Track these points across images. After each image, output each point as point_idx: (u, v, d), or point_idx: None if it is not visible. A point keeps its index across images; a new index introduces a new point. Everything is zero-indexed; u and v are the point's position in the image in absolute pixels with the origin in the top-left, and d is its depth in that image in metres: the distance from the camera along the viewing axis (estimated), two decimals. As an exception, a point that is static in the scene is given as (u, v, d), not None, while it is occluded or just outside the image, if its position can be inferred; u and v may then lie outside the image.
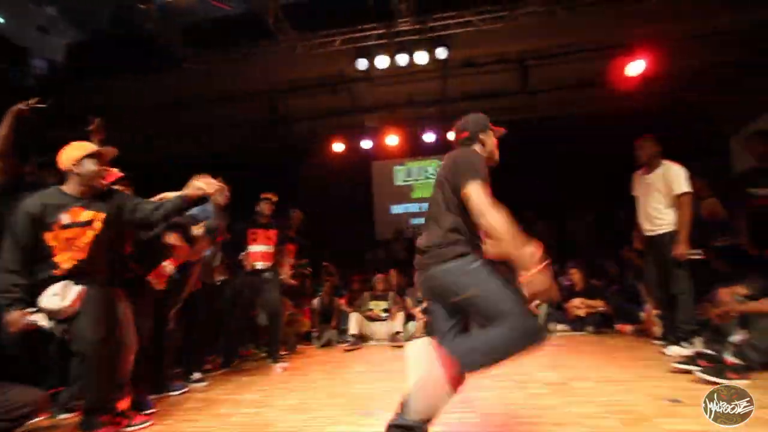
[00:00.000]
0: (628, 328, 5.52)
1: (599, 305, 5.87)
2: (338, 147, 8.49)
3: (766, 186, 4.01)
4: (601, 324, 5.78)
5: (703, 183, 5.04)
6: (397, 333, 5.64)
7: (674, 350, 3.93)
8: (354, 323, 5.72)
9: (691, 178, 4.61)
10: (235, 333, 4.85)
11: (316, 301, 6.42)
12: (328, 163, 9.12)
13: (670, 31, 5.56)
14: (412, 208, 10.87)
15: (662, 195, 4.25)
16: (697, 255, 4.05)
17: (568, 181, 9.10)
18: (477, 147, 2.30)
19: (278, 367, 4.51)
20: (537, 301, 6.03)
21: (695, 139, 7.19)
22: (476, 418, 2.68)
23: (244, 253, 4.74)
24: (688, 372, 3.39)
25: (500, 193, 2.07)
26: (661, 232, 4.26)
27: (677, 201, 4.16)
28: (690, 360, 3.51)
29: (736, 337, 3.49)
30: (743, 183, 4.17)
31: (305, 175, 9.46)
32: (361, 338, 5.81)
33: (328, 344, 5.86)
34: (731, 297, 3.61)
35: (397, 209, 10.91)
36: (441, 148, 10.02)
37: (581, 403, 2.86)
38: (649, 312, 5.14)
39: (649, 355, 4.12)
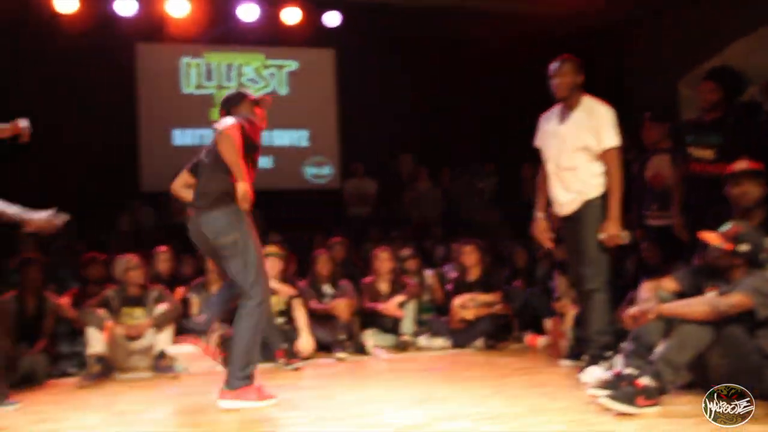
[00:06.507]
0: (541, 340, 3.91)
1: (495, 300, 4.01)
2: (64, 5, 5.03)
3: (705, 145, 3.04)
4: (496, 333, 3.93)
5: (662, 128, 3.67)
6: (161, 356, 3.34)
7: (590, 372, 2.82)
8: (97, 340, 3.19)
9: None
10: None
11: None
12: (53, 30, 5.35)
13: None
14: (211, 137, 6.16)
15: (580, 149, 2.82)
16: (625, 239, 2.79)
17: (456, 121, 6.83)
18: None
19: None
20: (400, 298, 4.06)
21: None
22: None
23: None
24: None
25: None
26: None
27: (604, 158, 2.80)
28: (611, 384, 2.46)
29: (658, 349, 2.57)
30: (681, 138, 3.17)
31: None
32: (108, 367, 3.24)
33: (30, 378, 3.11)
34: (653, 293, 2.68)
35: (183, 137, 6.36)
36: (267, 34, 6.15)
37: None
38: (557, 319, 3.77)
39: (548, 380, 3.00)
